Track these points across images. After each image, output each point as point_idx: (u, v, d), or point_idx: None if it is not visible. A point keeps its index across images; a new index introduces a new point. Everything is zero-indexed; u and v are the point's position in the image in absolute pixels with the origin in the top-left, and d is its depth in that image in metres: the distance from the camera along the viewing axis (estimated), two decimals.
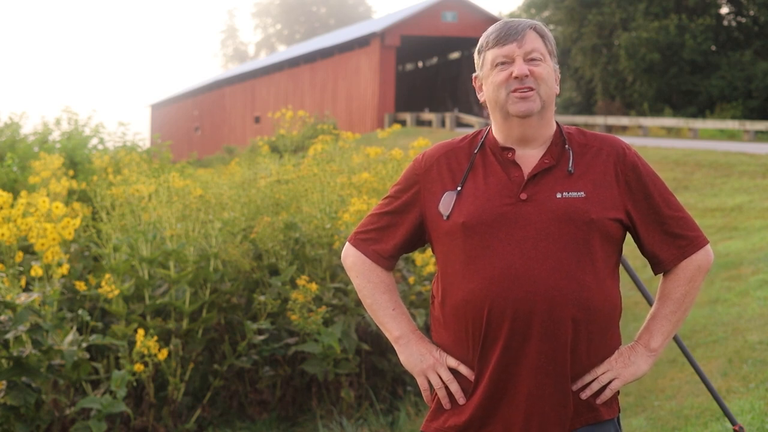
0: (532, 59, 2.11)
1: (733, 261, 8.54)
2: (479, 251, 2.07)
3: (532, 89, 2.09)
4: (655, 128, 26.65)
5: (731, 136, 24.46)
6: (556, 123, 2.20)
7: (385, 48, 34.33)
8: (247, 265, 5.63)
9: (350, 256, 2.28)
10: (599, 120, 27.80)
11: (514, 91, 2.09)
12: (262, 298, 5.43)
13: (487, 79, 2.15)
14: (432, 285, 2.25)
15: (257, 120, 41.81)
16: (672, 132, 26.55)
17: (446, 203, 2.13)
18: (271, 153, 8.58)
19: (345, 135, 7.50)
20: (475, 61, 2.22)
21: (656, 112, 31.32)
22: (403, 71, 43.59)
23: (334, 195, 5.87)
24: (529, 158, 2.13)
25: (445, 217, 2.12)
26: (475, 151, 2.17)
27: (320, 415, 5.34)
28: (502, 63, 2.11)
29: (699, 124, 24.39)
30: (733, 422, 3.23)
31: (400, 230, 2.23)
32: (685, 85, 31.58)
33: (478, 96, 2.22)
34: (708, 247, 2.19)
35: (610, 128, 27.63)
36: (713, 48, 32.39)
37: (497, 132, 2.17)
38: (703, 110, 30.92)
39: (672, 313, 2.17)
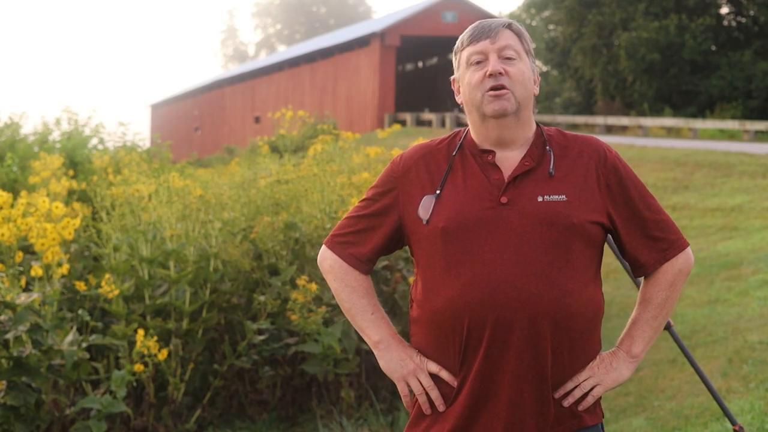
0: (507, 57, 2.08)
1: (733, 261, 8.53)
2: (460, 257, 2.04)
3: (506, 88, 2.06)
4: (655, 128, 26.65)
5: (731, 136, 24.44)
6: (537, 124, 2.17)
7: (385, 48, 34.33)
8: (247, 265, 5.63)
9: (327, 260, 2.23)
10: (599, 120, 27.79)
11: (489, 90, 2.06)
12: (262, 298, 5.43)
13: (463, 79, 2.13)
14: (411, 288, 2.21)
15: (257, 120, 41.80)
16: (672, 132, 26.55)
17: (425, 207, 2.09)
18: (271, 153, 8.57)
19: (345, 135, 7.50)
20: (453, 64, 2.19)
21: (656, 112, 31.30)
22: (403, 71, 43.59)
23: (334, 195, 5.87)
24: (509, 160, 2.10)
25: (424, 222, 2.09)
26: (454, 153, 2.14)
27: (320, 415, 5.34)
28: (477, 62, 2.09)
29: (699, 124, 24.38)
30: (733, 422, 3.24)
31: (378, 234, 2.19)
32: (685, 85, 31.58)
33: (456, 98, 2.20)
34: (688, 249, 2.17)
35: (610, 128, 27.63)
36: (713, 48, 32.37)
37: (475, 134, 2.14)
38: (703, 110, 30.90)
39: (653, 318, 2.15)
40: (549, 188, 2.05)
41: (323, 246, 2.26)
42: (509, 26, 2.12)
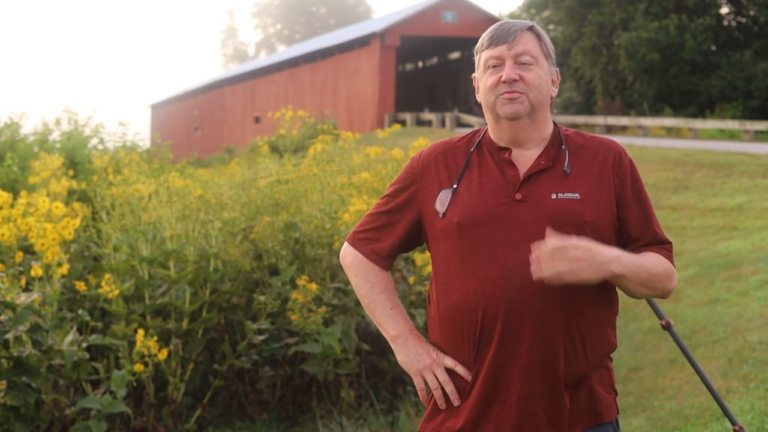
0: (523, 63, 2.10)
1: (733, 261, 8.53)
2: (474, 252, 2.07)
3: (520, 93, 2.09)
4: (655, 128, 26.65)
5: (731, 136, 24.45)
6: (555, 124, 2.20)
7: (385, 48, 34.33)
8: (247, 265, 5.63)
9: (348, 256, 2.28)
10: (599, 120, 27.79)
11: (503, 94, 2.09)
12: (262, 298, 5.43)
13: (481, 80, 2.16)
14: (429, 285, 2.25)
15: (257, 120, 41.80)
16: (672, 132, 26.55)
17: (442, 201, 2.13)
18: (271, 153, 8.58)
19: (345, 135, 7.51)
20: (475, 62, 2.23)
21: (656, 112, 31.31)
22: (403, 71, 43.59)
23: (334, 195, 5.87)
24: (525, 158, 2.13)
25: (440, 215, 2.12)
26: (472, 150, 2.18)
27: (320, 415, 5.34)
28: (494, 66, 2.12)
29: (699, 124, 24.39)
30: (733, 422, 3.24)
31: (397, 229, 2.23)
32: (685, 85, 31.59)
33: (477, 96, 2.24)
34: (675, 271, 2.15)
35: (610, 128, 27.63)
36: (713, 48, 32.39)
37: (492, 133, 2.18)
38: (703, 110, 30.92)
39: (647, 259, 2.08)
40: (563, 186, 2.08)
41: (345, 242, 2.30)
42: (530, 29, 2.14)
